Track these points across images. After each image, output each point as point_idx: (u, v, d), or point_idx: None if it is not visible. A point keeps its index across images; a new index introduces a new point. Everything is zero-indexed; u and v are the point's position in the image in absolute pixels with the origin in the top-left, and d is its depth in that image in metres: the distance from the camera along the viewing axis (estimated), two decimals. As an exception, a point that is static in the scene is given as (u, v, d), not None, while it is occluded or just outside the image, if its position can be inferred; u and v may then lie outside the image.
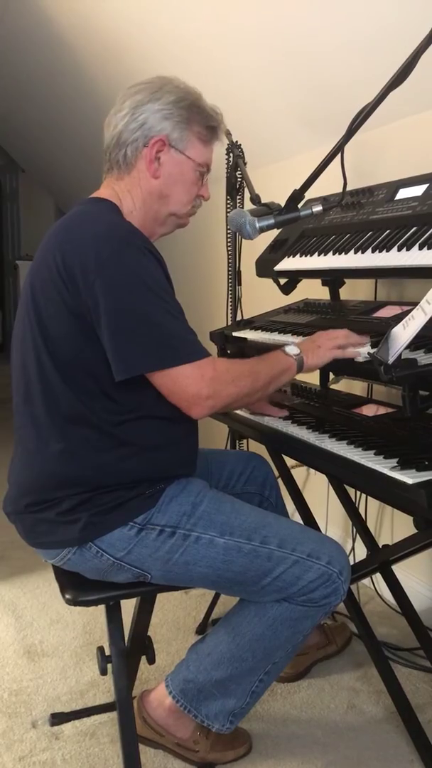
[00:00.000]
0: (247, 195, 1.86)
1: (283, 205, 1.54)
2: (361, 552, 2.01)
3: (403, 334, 1.15)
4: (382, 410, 1.60)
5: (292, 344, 1.43)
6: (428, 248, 1.35)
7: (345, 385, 2.05)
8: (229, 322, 2.34)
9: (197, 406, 1.27)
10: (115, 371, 1.23)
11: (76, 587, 1.36)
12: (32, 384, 1.32)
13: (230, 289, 2.35)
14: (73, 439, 1.30)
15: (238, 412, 1.71)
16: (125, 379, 1.23)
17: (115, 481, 1.30)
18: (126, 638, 1.47)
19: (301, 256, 1.78)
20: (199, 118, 1.39)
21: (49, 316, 1.28)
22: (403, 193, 1.59)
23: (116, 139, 1.37)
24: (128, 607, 1.55)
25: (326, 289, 1.96)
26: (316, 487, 2.45)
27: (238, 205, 2.23)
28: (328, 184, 1.54)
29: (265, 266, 1.95)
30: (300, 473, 2.45)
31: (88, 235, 1.26)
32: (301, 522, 1.67)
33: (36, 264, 1.34)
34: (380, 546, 1.83)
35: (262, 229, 1.53)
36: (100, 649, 1.40)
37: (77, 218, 1.34)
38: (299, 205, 1.54)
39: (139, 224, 1.36)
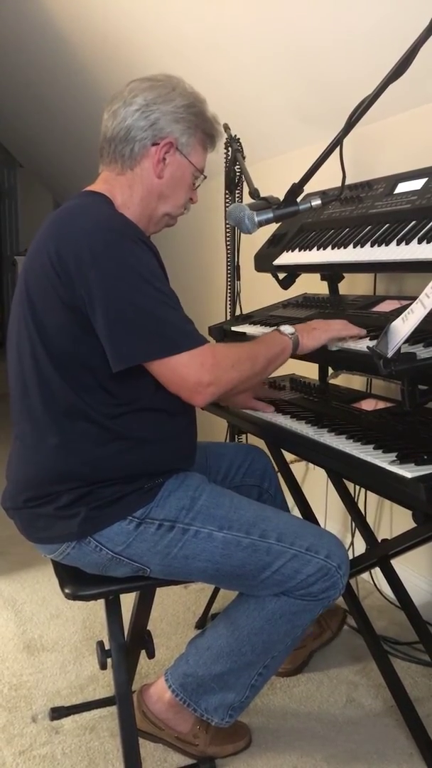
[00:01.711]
0: (245, 189, 1.85)
1: (281, 199, 1.54)
2: (360, 546, 2.01)
3: (403, 327, 1.14)
4: (381, 405, 1.60)
5: (287, 324, 1.45)
6: (427, 242, 1.35)
7: (344, 380, 2.04)
8: (228, 317, 2.34)
9: (199, 394, 1.26)
10: (112, 362, 1.23)
11: (76, 582, 1.37)
12: (28, 378, 1.32)
13: (229, 283, 2.34)
14: (70, 433, 1.29)
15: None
16: (122, 370, 1.23)
17: (114, 475, 1.30)
18: (125, 633, 1.47)
19: (300, 250, 1.78)
20: (204, 125, 1.42)
21: (44, 309, 1.28)
22: (402, 187, 1.58)
23: (124, 133, 1.37)
24: (128, 601, 1.55)
25: (325, 284, 1.96)
26: (315, 481, 2.45)
27: (236, 199, 2.22)
28: (327, 178, 1.54)
29: (263, 261, 1.95)
30: (299, 468, 2.45)
31: (82, 228, 1.26)
32: (300, 517, 1.68)
33: (30, 257, 1.33)
34: (379, 540, 1.84)
35: (261, 224, 1.53)
36: (100, 644, 1.41)
37: (70, 211, 1.34)
38: (298, 199, 1.54)
39: (134, 220, 1.36)
